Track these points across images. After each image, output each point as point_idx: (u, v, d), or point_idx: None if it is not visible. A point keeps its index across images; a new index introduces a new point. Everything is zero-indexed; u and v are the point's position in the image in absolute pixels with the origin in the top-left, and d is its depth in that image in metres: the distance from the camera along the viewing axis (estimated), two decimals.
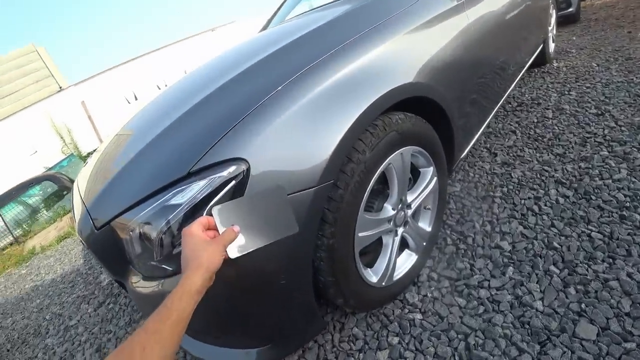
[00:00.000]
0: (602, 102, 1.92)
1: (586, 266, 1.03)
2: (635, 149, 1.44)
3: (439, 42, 1.10)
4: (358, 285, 0.93)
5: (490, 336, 0.94)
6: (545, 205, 1.32)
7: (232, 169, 0.66)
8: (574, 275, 1.02)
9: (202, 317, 0.59)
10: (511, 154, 1.76)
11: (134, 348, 0.45)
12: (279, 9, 2.46)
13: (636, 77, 2.04)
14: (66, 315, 1.95)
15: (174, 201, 0.66)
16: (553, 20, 2.83)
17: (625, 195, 1.23)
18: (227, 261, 0.59)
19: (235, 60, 1.13)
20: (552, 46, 2.86)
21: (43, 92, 6.82)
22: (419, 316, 1.05)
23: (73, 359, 1.55)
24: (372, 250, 1.03)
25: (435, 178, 1.11)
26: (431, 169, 1.09)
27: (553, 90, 2.32)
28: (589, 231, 1.14)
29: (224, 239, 0.58)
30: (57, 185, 5.21)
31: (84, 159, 5.94)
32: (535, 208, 1.32)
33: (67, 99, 6.36)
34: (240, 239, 0.61)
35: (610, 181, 1.32)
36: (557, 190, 1.38)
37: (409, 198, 1.04)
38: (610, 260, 1.03)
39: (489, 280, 1.09)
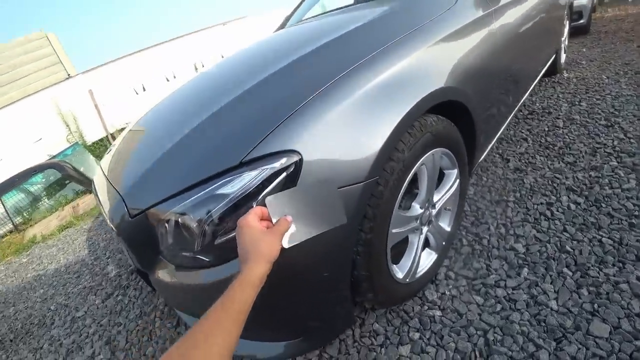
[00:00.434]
0: (612, 114, 1.98)
1: (598, 269, 1.10)
2: None
3: (470, 49, 1.15)
4: (387, 281, 0.97)
5: (508, 332, 1.00)
6: (558, 211, 1.38)
7: (284, 160, 0.67)
8: (586, 278, 1.08)
9: None
10: (523, 161, 1.82)
11: (197, 337, 0.46)
12: (297, 8, 2.50)
13: None
14: (72, 306, 1.88)
15: (222, 190, 0.66)
16: (566, 31, 2.89)
17: (634, 205, 1.29)
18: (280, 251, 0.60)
19: (277, 52, 1.18)
20: (563, 57, 2.92)
21: (51, 79, 6.82)
22: (438, 313, 1.11)
23: (81, 351, 1.52)
24: (396, 248, 1.09)
25: (458, 180, 1.17)
26: (455, 171, 1.14)
27: (564, 100, 2.39)
28: (599, 237, 1.20)
29: (280, 229, 0.59)
30: (61, 174, 5.20)
31: (89, 148, 5.93)
32: (548, 213, 1.38)
33: (75, 87, 6.34)
34: (292, 229, 0.62)
35: (619, 190, 1.38)
36: (568, 197, 1.44)
37: (435, 197, 1.10)
38: (621, 264, 1.09)
39: (505, 280, 1.15)
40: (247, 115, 0.81)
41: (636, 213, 1.25)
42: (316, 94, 0.76)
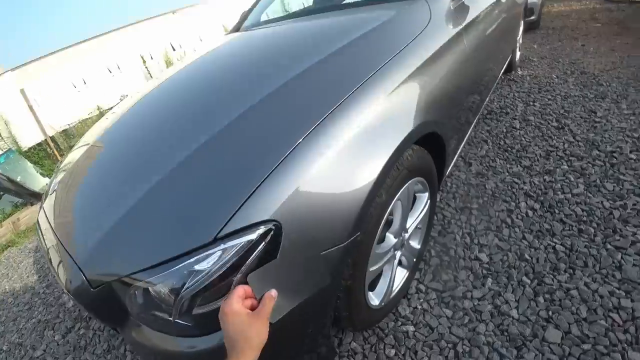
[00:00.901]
0: (562, 116, 2.13)
1: (552, 276, 1.20)
2: (590, 165, 1.64)
3: (445, 73, 1.13)
4: (365, 312, 1.01)
5: (475, 344, 1.08)
6: (517, 218, 1.48)
7: (261, 230, 0.62)
8: (543, 285, 1.18)
9: None
10: (484, 164, 1.92)
11: None
12: (254, 5, 2.29)
13: (590, 92, 2.27)
14: (28, 345, 1.68)
15: (197, 267, 0.61)
16: (521, 29, 3.03)
17: (582, 210, 1.41)
18: None
19: (240, 78, 1.09)
20: (518, 54, 3.07)
21: None
22: (411, 328, 1.17)
23: None
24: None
25: (429, 201, 1.21)
26: (427, 194, 1.19)
27: (519, 100, 2.53)
28: (553, 243, 1.31)
29: (266, 310, 0.57)
30: None
31: (26, 154, 5.24)
32: (508, 220, 1.48)
33: (3, 86, 5.63)
34: (278, 301, 0.60)
35: (570, 195, 1.51)
36: (526, 202, 1.55)
37: (407, 224, 1.13)
38: (571, 270, 1.20)
39: (471, 291, 1.23)
40: (218, 175, 0.73)
41: (584, 219, 1.37)
42: (293, 149, 0.70)
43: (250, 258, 0.62)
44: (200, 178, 0.74)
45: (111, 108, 1.80)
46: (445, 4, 1.26)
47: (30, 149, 5.45)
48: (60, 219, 0.95)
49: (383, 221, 0.90)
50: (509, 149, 1.99)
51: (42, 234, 1.01)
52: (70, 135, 5.82)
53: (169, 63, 6.55)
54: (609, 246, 1.23)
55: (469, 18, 1.38)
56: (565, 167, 1.68)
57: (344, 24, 1.30)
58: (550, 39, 3.68)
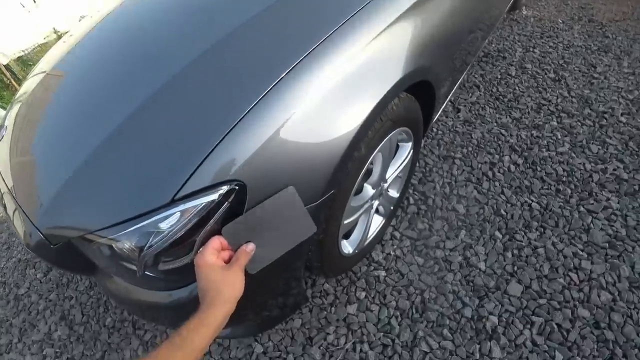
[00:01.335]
0: (560, 67, 2.02)
1: (523, 233, 1.22)
2: (579, 124, 1.60)
3: (441, 11, 0.99)
4: (338, 261, 1.00)
5: (441, 292, 1.12)
6: (499, 172, 1.46)
7: (223, 191, 0.58)
8: (513, 241, 1.21)
9: None
10: (473, 112, 1.84)
11: None
12: None
13: (594, 44, 2.14)
14: (12, 283, 1.70)
15: (157, 227, 0.59)
16: None
17: (563, 170, 1.40)
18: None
19: (191, 18, 0.88)
20: None
21: None
22: (383, 273, 1.19)
23: (35, 328, 1.42)
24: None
25: (412, 151, 1.13)
26: (410, 143, 1.10)
27: (519, 44, 2.35)
28: (530, 201, 1.32)
29: (240, 262, 0.56)
30: None
31: None
32: (490, 174, 1.46)
33: None
34: (259, 253, 0.59)
35: (554, 153, 1.48)
36: (510, 157, 1.52)
37: (387, 173, 1.07)
38: (542, 229, 1.23)
39: (444, 242, 1.24)
40: (178, 130, 0.65)
41: (564, 179, 1.36)
42: (257, 102, 0.61)
43: (214, 218, 0.59)
44: (160, 131, 0.65)
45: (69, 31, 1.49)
46: None
47: None
48: (13, 162, 0.83)
49: (361, 173, 0.84)
50: (501, 97, 1.90)
51: None
52: (27, 62, 5.16)
53: None
54: (581, 209, 1.25)
55: None
56: (555, 123, 1.64)
57: None
58: None
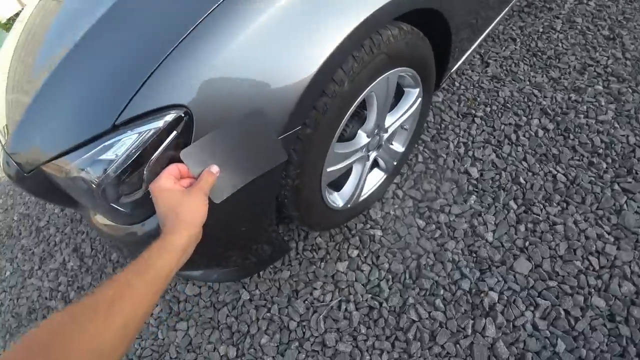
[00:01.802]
0: (619, 23, 1.72)
1: (542, 206, 1.07)
2: (629, 90, 1.37)
3: None
4: (324, 214, 0.89)
5: (440, 259, 1.00)
6: (524, 136, 1.27)
7: (169, 118, 0.53)
8: (529, 214, 1.06)
9: None
10: (504, 67, 1.60)
11: (98, 302, 0.38)
12: None
13: None
14: (34, 216, 1.83)
15: (106, 156, 0.55)
16: None
17: (601, 141, 1.21)
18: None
19: None
20: None
21: None
22: (379, 233, 1.07)
23: (52, 258, 1.54)
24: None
25: (419, 99, 0.95)
26: (417, 90, 0.93)
27: None
28: (555, 172, 1.15)
29: (202, 185, 0.51)
30: None
31: (4, 26, 4.61)
32: (513, 137, 1.28)
33: None
34: (223, 179, 0.54)
35: (593, 121, 1.28)
36: (540, 120, 1.32)
37: (388, 121, 0.91)
38: (564, 204, 1.07)
39: (450, 206, 1.11)
40: (116, 49, 0.61)
41: (600, 151, 1.18)
42: (204, 18, 0.54)
43: (161, 147, 0.53)
44: (105, 57, 0.61)
45: None
46: None
47: (8, 20, 5.15)
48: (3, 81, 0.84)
49: (347, 115, 0.72)
50: (539, 53, 1.64)
51: None
52: None
53: None
54: (616, 187, 1.08)
55: None
56: (600, 87, 1.41)
57: None
58: None
